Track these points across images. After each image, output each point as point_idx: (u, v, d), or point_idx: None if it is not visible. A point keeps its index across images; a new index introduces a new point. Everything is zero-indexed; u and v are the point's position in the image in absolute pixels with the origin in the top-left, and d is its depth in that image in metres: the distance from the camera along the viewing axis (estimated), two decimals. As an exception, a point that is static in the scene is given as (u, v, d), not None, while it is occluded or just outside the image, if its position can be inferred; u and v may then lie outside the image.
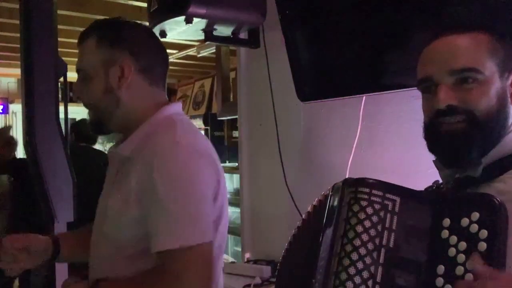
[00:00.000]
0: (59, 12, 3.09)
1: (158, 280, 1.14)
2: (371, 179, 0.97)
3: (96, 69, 1.28)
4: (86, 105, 1.33)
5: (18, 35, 2.34)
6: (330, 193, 1.04)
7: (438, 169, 1.06)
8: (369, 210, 0.92)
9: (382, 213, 0.92)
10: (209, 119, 5.36)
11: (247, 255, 2.62)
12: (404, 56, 1.66)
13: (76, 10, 4.12)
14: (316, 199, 1.10)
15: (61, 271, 2.30)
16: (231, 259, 4.21)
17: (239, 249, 3.45)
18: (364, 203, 0.93)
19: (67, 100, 2.65)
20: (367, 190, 0.94)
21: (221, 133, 5.36)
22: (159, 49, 1.35)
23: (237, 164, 3.37)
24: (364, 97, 1.95)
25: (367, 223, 0.91)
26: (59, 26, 2.58)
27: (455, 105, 0.97)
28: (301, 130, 2.33)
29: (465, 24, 1.05)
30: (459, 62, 0.98)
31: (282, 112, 2.33)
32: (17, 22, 2.35)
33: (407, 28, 1.65)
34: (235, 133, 4.87)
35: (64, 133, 2.42)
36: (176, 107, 1.34)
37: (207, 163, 1.22)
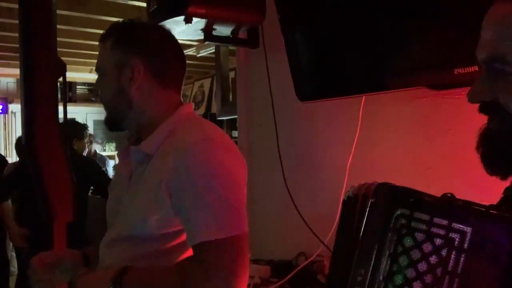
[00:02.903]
0: (59, 12, 3.09)
1: (196, 270, 1.15)
2: (429, 195, 0.70)
3: (110, 70, 1.31)
4: (103, 104, 1.36)
5: (18, 35, 2.33)
6: (371, 201, 0.75)
7: None
8: (427, 248, 0.67)
9: (444, 252, 0.67)
10: (209, 119, 5.34)
11: (247, 255, 2.61)
12: (404, 56, 1.66)
13: (76, 10, 4.12)
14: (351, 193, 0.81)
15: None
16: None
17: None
18: (420, 237, 0.68)
19: (66, 100, 2.65)
20: (426, 217, 0.68)
21: (221, 133, 5.35)
22: (175, 52, 1.36)
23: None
24: (364, 97, 1.95)
25: (422, 267, 0.67)
26: (59, 26, 2.58)
27: None
28: (301, 130, 2.33)
29: None
30: None
31: (282, 112, 2.32)
32: (17, 22, 2.34)
33: (407, 28, 1.65)
34: (235, 133, 4.86)
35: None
36: (190, 107, 1.37)
37: (237, 157, 1.26)
